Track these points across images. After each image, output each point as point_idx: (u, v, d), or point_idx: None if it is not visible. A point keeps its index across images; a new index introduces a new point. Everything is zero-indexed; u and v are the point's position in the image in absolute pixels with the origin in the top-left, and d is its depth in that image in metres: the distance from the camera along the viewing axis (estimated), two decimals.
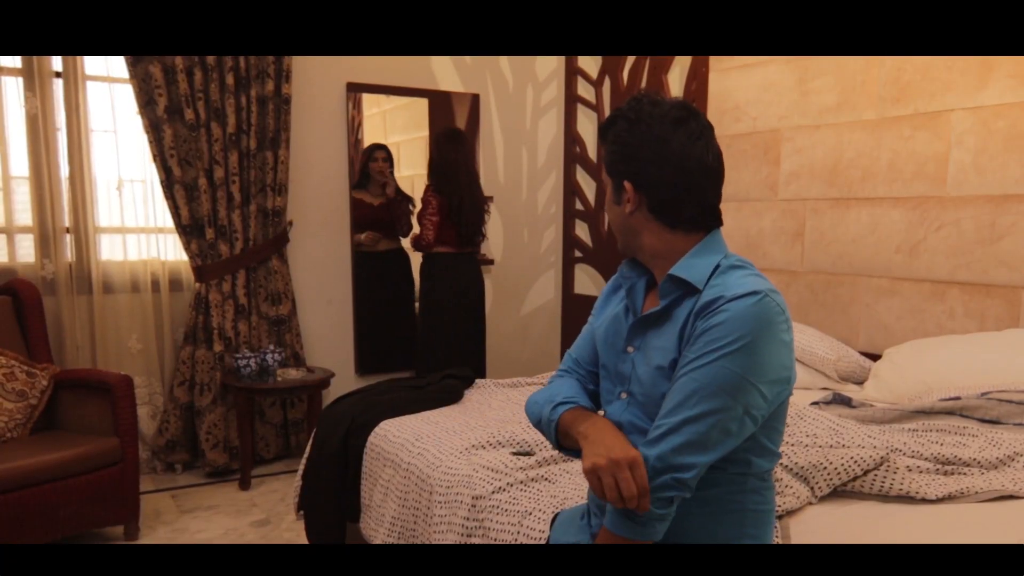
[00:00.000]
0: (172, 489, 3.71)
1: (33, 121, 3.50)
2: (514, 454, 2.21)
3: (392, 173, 4.38)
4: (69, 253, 3.64)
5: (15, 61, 3.46)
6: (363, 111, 4.36)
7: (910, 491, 1.91)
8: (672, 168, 1.33)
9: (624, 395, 1.41)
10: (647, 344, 1.38)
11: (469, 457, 2.20)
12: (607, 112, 4.49)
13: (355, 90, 4.28)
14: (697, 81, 3.98)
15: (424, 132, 4.52)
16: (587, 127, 4.74)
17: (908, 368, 2.87)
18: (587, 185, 4.75)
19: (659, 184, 1.34)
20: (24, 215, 3.55)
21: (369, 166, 4.33)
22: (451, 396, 2.87)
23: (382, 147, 4.37)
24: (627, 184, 1.36)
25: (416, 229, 4.07)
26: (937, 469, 2.06)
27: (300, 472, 2.77)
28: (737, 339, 1.23)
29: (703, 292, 1.30)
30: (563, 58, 4.78)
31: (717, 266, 1.33)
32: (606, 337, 1.47)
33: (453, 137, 4.05)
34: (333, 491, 2.58)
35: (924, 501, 1.91)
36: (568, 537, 1.53)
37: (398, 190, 4.41)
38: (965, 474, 2.05)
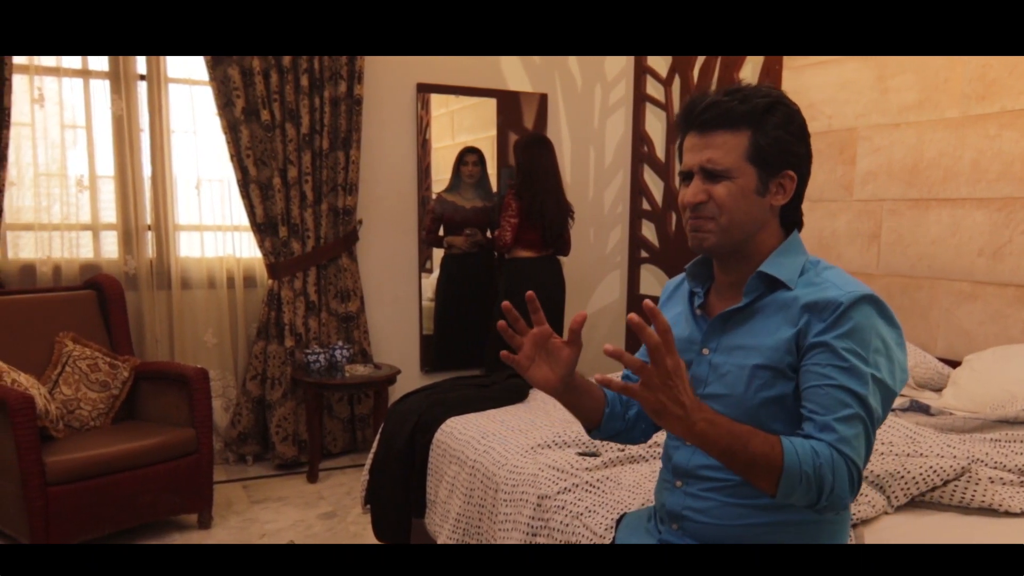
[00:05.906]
0: (243, 480, 3.81)
1: (118, 122, 3.64)
2: (580, 454, 2.20)
3: (484, 173, 4.44)
4: (150, 250, 3.78)
5: (103, 64, 3.60)
6: (431, 111, 4.40)
7: (993, 503, 1.84)
8: (811, 164, 1.35)
9: None
10: (727, 343, 1.35)
11: (535, 456, 2.20)
12: (676, 111, 4.44)
13: (425, 90, 4.33)
14: (770, 79, 3.89)
15: (492, 132, 4.54)
16: (655, 126, 4.69)
17: (990, 375, 2.76)
18: (654, 185, 4.70)
19: (806, 179, 1.35)
20: (109, 213, 3.70)
21: (460, 169, 4.39)
22: (517, 395, 2.88)
23: (474, 150, 4.42)
24: (791, 173, 1.32)
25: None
26: (1022, 481, 1.97)
27: (367, 467, 2.81)
28: (876, 341, 1.23)
29: (801, 289, 1.28)
30: (632, 57, 4.74)
31: (804, 266, 1.32)
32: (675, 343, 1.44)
33: (538, 143, 4.10)
34: (399, 487, 2.62)
35: (1008, 514, 1.83)
36: (635, 539, 1.52)
37: (488, 193, 4.46)
38: None
